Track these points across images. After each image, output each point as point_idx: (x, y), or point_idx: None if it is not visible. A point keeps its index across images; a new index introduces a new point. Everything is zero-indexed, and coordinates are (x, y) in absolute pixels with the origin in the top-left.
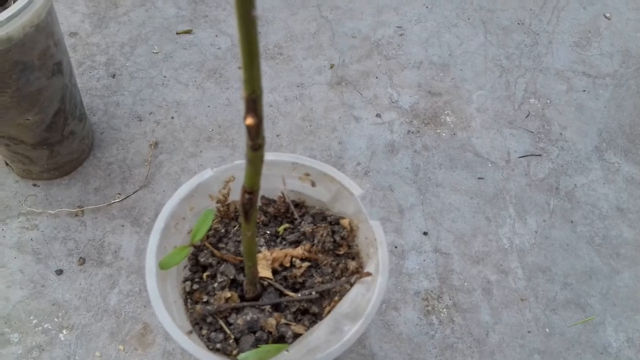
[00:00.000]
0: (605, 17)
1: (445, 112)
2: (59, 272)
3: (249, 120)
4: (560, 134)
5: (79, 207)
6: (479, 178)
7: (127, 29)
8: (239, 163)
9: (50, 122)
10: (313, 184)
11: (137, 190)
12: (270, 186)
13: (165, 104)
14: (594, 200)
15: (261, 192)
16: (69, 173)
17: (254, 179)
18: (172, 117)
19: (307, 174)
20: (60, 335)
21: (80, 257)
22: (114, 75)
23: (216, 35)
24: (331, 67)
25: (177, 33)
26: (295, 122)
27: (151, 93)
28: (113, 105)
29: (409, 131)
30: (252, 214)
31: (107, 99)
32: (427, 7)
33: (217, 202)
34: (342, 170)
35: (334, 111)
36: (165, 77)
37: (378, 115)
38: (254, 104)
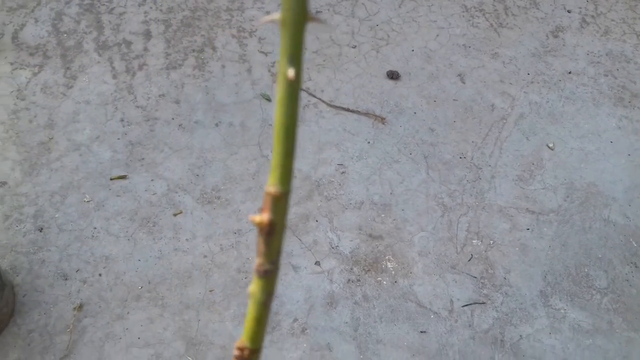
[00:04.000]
0: (549, 147)
1: (387, 257)
2: None
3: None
4: (505, 278)
5: None
6: (421, 332)
7: (58, 176)
8: None
9: None
10: None
11: None
12: None
13: (93, 259)
14: (540, 353)
15: None
16: None
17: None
18: (100, 274)
19: None
20: None
21: None
22: (42, 228)
23: (152, 180)
24: None
25: (111, 179)
26: (230, 274)
27: (79, 247)
28: (38, 263)
29: (349, 280)
30: None
31: (32, 256)
32: (368, 142)
33: None
34: (278, 328)
35: None
36: (95, 228)
37: (317, 263)
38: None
